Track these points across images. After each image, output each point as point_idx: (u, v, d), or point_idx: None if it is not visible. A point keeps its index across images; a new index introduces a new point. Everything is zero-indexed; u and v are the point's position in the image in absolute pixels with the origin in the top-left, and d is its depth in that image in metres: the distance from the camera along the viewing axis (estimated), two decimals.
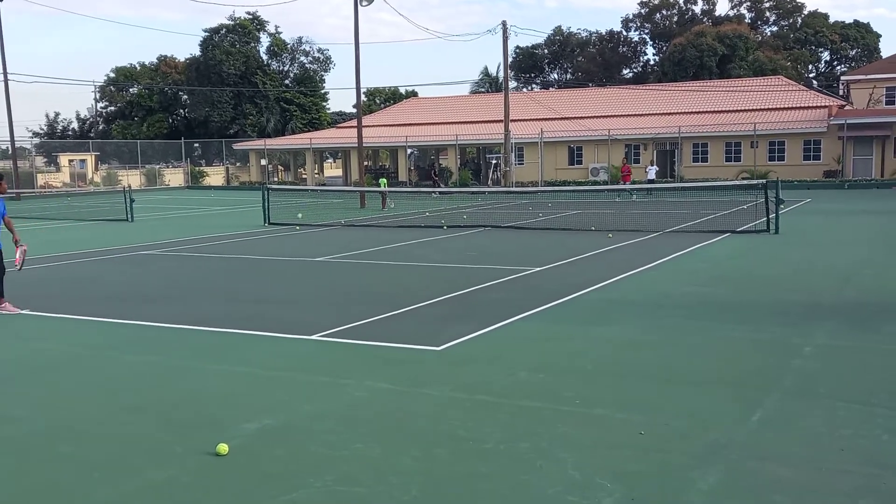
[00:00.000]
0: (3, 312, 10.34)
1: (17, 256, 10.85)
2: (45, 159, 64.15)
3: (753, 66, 65.43)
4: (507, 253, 16.06)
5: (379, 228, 22.80)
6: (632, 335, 8.54)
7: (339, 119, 74.51)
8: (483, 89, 72.02)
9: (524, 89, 78.65)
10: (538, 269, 13.55)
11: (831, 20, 76.74)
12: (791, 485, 4.63)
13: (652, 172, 38.27)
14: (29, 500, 4.66)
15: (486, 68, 74.82)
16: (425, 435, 5.57)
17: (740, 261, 14.26)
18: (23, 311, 10.43)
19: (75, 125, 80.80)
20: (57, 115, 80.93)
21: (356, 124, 35.78)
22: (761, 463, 4.97)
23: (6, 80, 43.92)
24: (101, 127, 77.57)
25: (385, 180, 35.57)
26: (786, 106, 47.20)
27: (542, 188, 38.35)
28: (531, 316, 9.59)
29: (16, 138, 46.27)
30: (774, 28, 79.20)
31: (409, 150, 54.50)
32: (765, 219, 18.87)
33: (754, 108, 47.61)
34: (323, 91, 74.66)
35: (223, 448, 5.25)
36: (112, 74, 76.62)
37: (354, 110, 42.89)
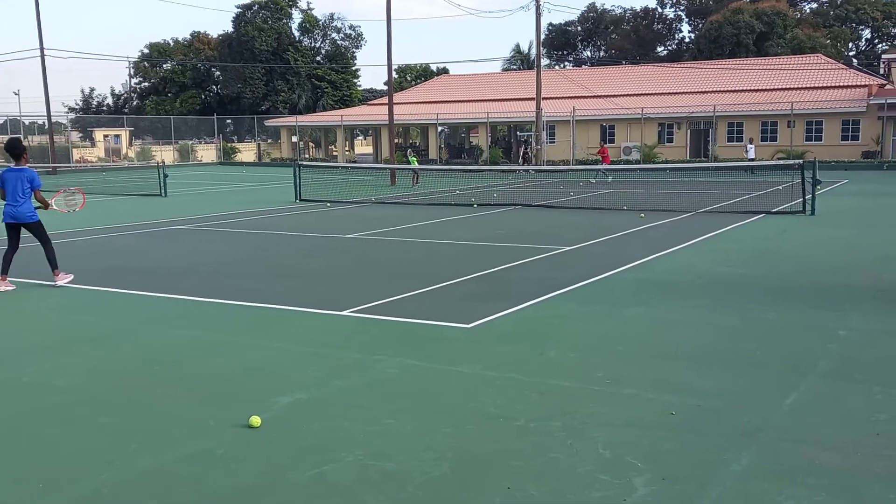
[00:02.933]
0: (59, 283, 10.43)
1: (71, 203, 11.18)
2: (81, 134, 65.07)
3: (792, 44, 64.17)
4: (538, 231, 16.00)
5: (409, 206, 22.82)
6: (664, 315, 8.48)
7: (370, 96, 74.54)
8: (515, 67, 71.55)
9: (556, 67, 77.98)
10: (569, 248, 13.49)
11: None
12: (826, 468, 4.58)
13: (752, 151, 36.86)
14: (70, 468, 4.77)
15: (517, 45, 74.56)
16: (456, 412, 5.60)
17: (775, 242, 14.08)
18: (69, 277, 10.61)
19: (110, 101, 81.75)
20: (92, 90, 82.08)
21: (387, 101, 35.73)
22: (795, 445, 4.93)
23: (43, 56, 44.46)
24: (135, 102, 78.33)
25: (415, 158, 35.55)
26: (824, 85, 46.30)
27: (573, 167, 38.05)
28: (562, 295, 9.56)
29: (52, 113, 46.90)
30: (814, 5, 77.53)
31: (439, 128, 54.34)
32: (801, 200, 18.58)
33: (792, 86, 46.79)
34: (354, 68, 74.69)
35: (256, 420, 5.32)
36: (146, 50, 77.31)
37: (385, 87, 42.81)
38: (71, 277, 10.62)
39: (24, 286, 10.71)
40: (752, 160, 34.58)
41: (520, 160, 47.83)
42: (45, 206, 10.77)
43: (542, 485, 4.42)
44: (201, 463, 4.80)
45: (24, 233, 10.64)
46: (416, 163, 33.79)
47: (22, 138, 10.51)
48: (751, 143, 37.82)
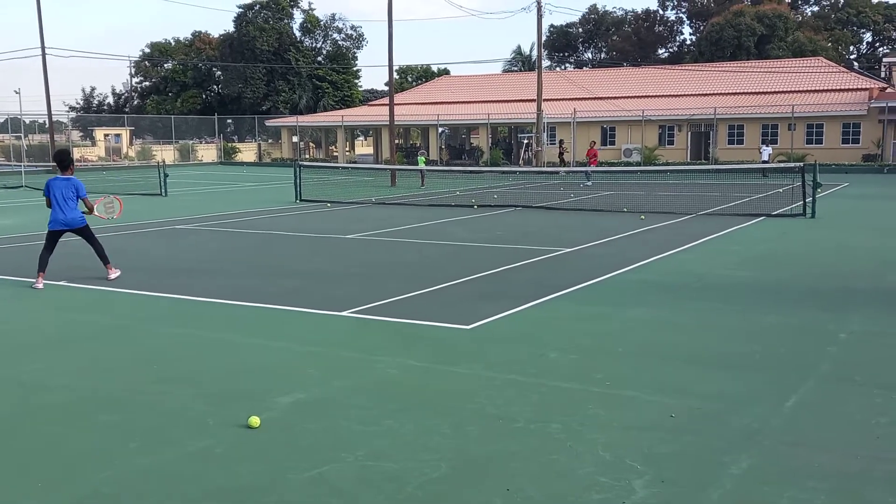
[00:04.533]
0: (112, 276, 10.84)
1: (110, 210, 11.62)
2: (81, 133, 65.08)
3: (793, 46, 64.18)
4: (539, 233, 16.00)
5: (410, 206, 22.82)
6: (664, 317, 8.48)
7: (370, 97, 74.54)
8: (516, 68, 71.53)
9: (557, 68, 78.02)
10: (569, 249, 13.49)
11: (874, 0, 74.92)
12: (826, 471, 4.58)
13: (766, 153, 35.66)
14: (71, 467, 4.77)
15: (518, 47, 74.37)
16: (456, 413, 5.59)
17: (775, 244, 14.08)
18: (118, 272, 10.98)
19: (111, 100, 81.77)
20: (93, 89, 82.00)
21: (388, 102, 35.73)
22: (795, 448, 4.92)
23: (44, 55, 44.44)
24: (135, 102, 78.34)
25: (423, 158, 35.75)
26: (825, 88, 46.31)
27: (574, 168, 38.05)
28: (562, 296, 9.56)
29: (53, 112, 46.88)
30: (815, 8, 77.60)
31: (440, 129, 54.34)
32: (801, 203, 18.59)
33: (793, 89, 46.81)
34: (355, 68, 74.65)
35: (255, 421, 5.32)
36: (147, 50, 77.32)
37: (386, 88, 42.82)
38: (119, 273, 11.00)
39: (23, 285, 10.71)
40: (766, 162, 33.83)
41: (520, 161, 47.83)
42: (91, 210, 11.16)
43: (541, 486, 4.42)
44: (201, 462, 4.80)
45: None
46: (423, 163, 33.88)
47: (69, 151, 10.97)
48: (766, 146, 37.02)
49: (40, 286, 10.43)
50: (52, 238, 10.83)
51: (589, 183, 31.08)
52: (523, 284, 10.40)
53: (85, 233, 10.97)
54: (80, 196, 10.77)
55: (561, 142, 43.52)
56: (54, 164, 11.22)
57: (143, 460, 4.83)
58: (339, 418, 5.50)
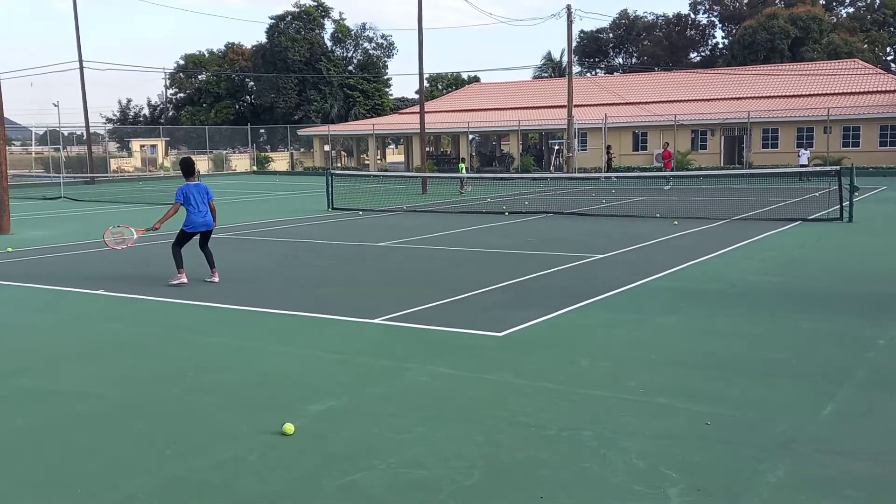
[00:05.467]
0: (215, 279, 11.41)
1: (119, 240, 11.99)
2: (118, 144, 66.08)
3: (828, 49, 63.24)
4: (570, 239, 15.93)
5: (440, 214, 22.85)
6: (698, 324, 8.39)
7: (401, 105, 74.81)
8: (546, 74, 71.38)
9: (588, 74, 77.70)
10: (601, 255, 13.41)
11: None
12: (863, 479, 4.50)
13: (804, 157, 34.94)
14: (105, 475, 4.84)
15: (549, 53, 74.18)
16: (487, 420, 5.58)
17: (812, 249, 13.87)
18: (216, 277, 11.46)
19: (146, 111, 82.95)
20: (129, 101, 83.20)
21: (418, 110, 35.84)
22: (832, 457, 4.84)
23: (81, 68, 45.31)
24: (170, 113, 79.44)
25: (464, 165, 36.27)
26: (861, 90, 45.56)
27: (605, 174, 37.84)
28: (594, 303, 9.50)
29: (90, 124, 47.74)
30: (851, 9, 76.34)
31: (470, 136, 54.39)
32: (838, 207, 18.29)
33: (828, 92, 46.11)
34: (386, 77, 75.00)
35: (289, 428, 5.36)
36: (181, 62, 78.36)
37: (417, 96, 42.92)
38: (216, 279, 11.47)
39: (59, 294, 10.90)
40: (805, 167, 33.12)
41: (551, 168, 47.67)
42: (214, 217, 11.78)
43: (573, 494, 4.40)
44: (233, 469, 4.84)
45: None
46: (464, 170, 34.49)
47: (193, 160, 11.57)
48: (804, 150, 36.29)
49: (184, 280, 11.21)
50: (188, 239, 11.59)
51: (668, 187, 31.31)
52: (554, 291, 10.35)
53: (209, 236, 11.73)
54: (209, 199, 11.55)
55: (609, 147, 43.49)
56: (181, 171, 12.01)
57: (177, 468, 4.89)
58: (371, 426, 5.52)
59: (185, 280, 11.25)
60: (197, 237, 11.67)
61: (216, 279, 11.49)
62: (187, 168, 11.75)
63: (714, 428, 5.34)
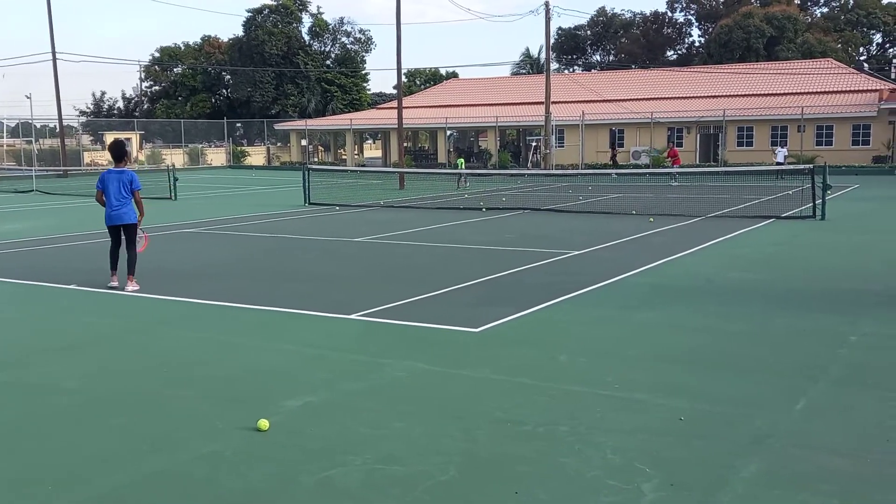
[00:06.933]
0: (129, 289, 10.26)
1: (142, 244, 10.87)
2: (92, 137, 65.28)
3: (802, 48, 63.93)
4: (547, 236, 15.98)
5: (418, 210, 22.83)
6: (673, 320, 8.45)
7: (379, 100, 74.58)
8: (524, 71, 71.54)
9: (566, 71, 77.95)
10: (578, 252, 13.47)
11: (884, 1, 74.56)
12: (837, 474, 4.56)
13: (781, 155, 34.91)
14: (82, 470, 4.79)
15: (527, 49, 74.49)
16: (464, 416, 5.59)
17: (785, 247, 14.02)
18: (137, 286, 10.36)
19: (121, 104, 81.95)
20: (103, 94, 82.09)
21: (396, 105, 35.79)
22: (806, 452, 4.90)
23: (55, 60, 44.70)
24: (145, 106, 78.60)
25: (462, 160, 36.45)
26: (835, 90, 46.13)
27: (582, 171, 38.01)
28: (571, 299, 9.54)
29: (63, 116, 47.13)
30: (825, 9, 77.21)
31: (448, 132, 54.37)
32: (811, 204, 18.50)
33: (802, 91, 46.64)
34: (364, 72, 74.76)
35: (264, 424, 5.33)
36: (157, 54, 77.57)
37: (395, 91, 42.88)
38: (137, 288, 10.36)
39: (32, 288, 10.76)
40: (781, 164, 33.68)
41: (529, 164, 47.81)
42: (141, 210, 10.64)
43: (549, 490, 4.41)
44: (211, 465, 4.81)
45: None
46: (462, 165, 35.14)
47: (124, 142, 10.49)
48: (781, 148, 36.37)
49: (115, 283, 10.36)
50: (112, 234, 10.51)
51: (675, 184, 31.62)
52: (532, 287, 10.38)
53: (130, 232, 10.46)
54: (133, 189, 10.32)
55: (612, 144, 43.93)
56: (110, 156, 10.78)
57: (154, 463, 4.85)
58: (348, 421, 5.50)
59: (115, 283, 10.34)
60: (121, 234, 10.43)
61: (131, 288, 10.25)
62: (116, 151, 10.44)
63: (689, 423, 5.38)
